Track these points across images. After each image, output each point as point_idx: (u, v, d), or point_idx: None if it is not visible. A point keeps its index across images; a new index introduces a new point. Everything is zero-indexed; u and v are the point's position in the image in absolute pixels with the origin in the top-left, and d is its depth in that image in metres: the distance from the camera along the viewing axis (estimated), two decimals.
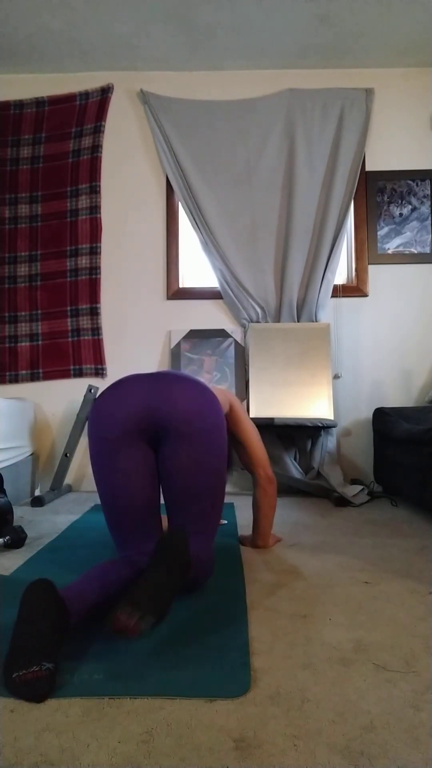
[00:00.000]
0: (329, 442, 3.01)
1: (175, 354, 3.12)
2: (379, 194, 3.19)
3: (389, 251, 3.17)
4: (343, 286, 3.18)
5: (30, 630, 0.97)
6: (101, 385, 3.12)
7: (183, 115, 3.16)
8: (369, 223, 3.18)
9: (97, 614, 1.12)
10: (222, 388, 1.85)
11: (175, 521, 1.45)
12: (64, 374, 3.17)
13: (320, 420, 2.78)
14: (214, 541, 1.51)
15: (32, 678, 0.92)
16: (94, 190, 3.18)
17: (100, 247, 3.18)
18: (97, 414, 1.45)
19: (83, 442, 3.04)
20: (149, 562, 1.13)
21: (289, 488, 2.91)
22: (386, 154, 3.20)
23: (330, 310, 3.14)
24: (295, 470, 2.96)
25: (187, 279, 3.30)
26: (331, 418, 2.89)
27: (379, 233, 3.18)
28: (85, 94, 3.23)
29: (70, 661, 1.03)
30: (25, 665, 0.93)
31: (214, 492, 1.46)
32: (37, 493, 2.93)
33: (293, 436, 3.02)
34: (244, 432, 1.81)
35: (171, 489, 1.44)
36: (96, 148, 3.19)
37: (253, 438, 1.83)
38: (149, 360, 3.18)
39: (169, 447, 1.42)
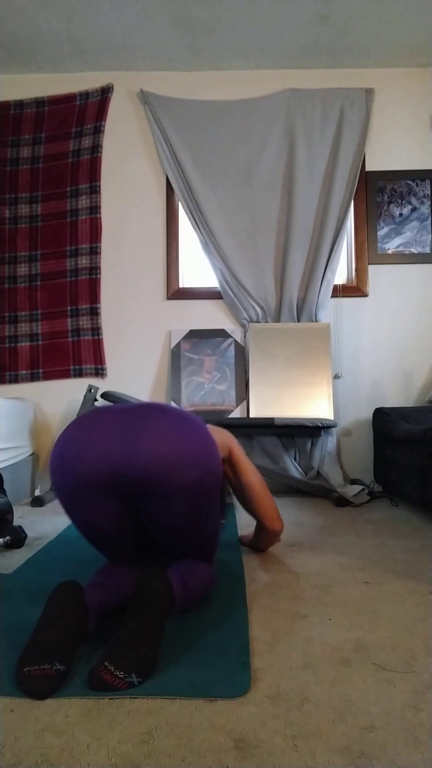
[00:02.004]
0: (329, 442, 3.01)
1: (175, 354, 3.12)
2: (379, 194, 3.19)
3: (389, 251, 3.17)
4: (343, 286, 3.18)
5: (52, 628, 0.98)
6: (101, 385, 3.12)
7: (183, 115, 3.16)
8: (369, 223, 3.18)
9: (110, 619, 1.13)
10: (219, 428, 1.57)
11: (168, 557, 1.34)
12: (64, 374, 3.17)
13: (320, 420, 2.78)
14: (215, 556, 1.43)
15: (41, 675, 0.93)
16: (94, 190, 3.18)
17: (100, 247, 3.18)
18: (56, 465, 1.19)
19: None
20: (129, 609, 1.03)
21: (289, 488, 2.91)
22: (386, 154, 3.20)
23: (330, 310, 3.14)
24: (295, 470, 2.96)
25: (187, 279, 3.30)
26: (331, 418, 2.89)
27: (379, 233, 3.18)
28: (85, 94, 3.23)
29: (81, 663, 1.03)
30: (38, 661, 0.94)
31: (206, 538, 1.31)
32: (37, 493, 2.93)
33: (293, 436, 3.02)
34: (246, 482, 1.57)
35: (156, 538, 1.28)
36: (96, 148, 3.19)
37: (258, 489, 1.59)
38: (149, 360, 3.18)
39: (149, 505, 1.19)
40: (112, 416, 1.22)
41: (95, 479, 1.15)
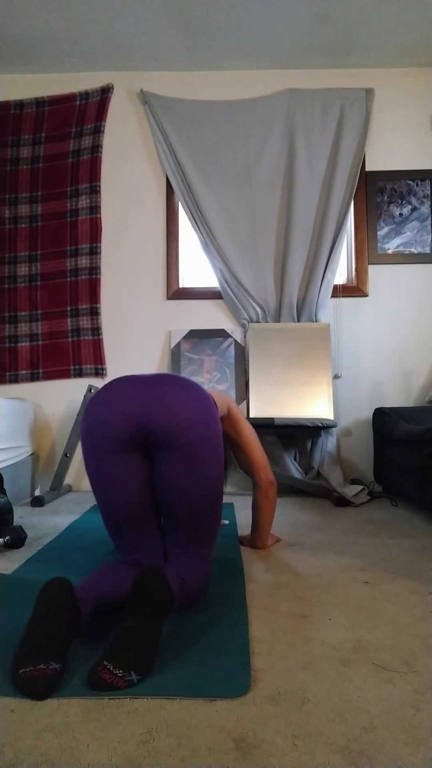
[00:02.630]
0: (329, 442, 3.01)
1: (175, 354, 3.12)
2: (379, 194, 3.19)
3: (389, 251, 3.17)
4: (343, 286, 3.18)
5: (43, 628, 0.99)
6: (101, 385, 3.12)
7: (183, 115, 3.16)
8: (369, 223, 3.18)
9: (103, 617, 1.13)
10: (219, 391, 1.78)
11: (170, 533, 1.40)
12: (64, 374, 3.17)
13: (320, 420, 2.78)
14: (214, 548, 1.46)
15: (38, 675, 0.93)
16: (94, 190, 3.18)
17: (100, 247, 3.18)
18: (88, 422, 1.38)
19: None
20: (128, 608, 1.05)
21: (289, 488, 2.91)
22: (386, 154, 3.20)
23: (330, 310, 3.14)
24: (295, 470, 2.96)
25: (187, 279, 3.30)
26: (331, 418, 2.89)
27: (379, 233, 3.18)
28: (85, 94, 3.23)
29: (71, 661, 1.03)
30: (33, 662, 0.94)
31: (211, 503, 1.40)
32: (37, 493, 2.93)
33: (293, 436, 3.02)
34: (243, 436, 1.78)
35: (166, 501, 1.37)
36: (96, 148, 3.19)
37: (253, 442, 1.79)
38: (149, 360, 3.18)
39: (163, 458, 1.35)
40: (134, 383, 1.42)
41: (122, 433, 1.33)
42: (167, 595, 1.07)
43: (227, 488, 2.82)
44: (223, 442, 1.66)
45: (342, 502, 2.58)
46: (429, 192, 3.18)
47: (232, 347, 3.11)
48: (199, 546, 1.38)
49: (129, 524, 1.37)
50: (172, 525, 1.39)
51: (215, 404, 1.48)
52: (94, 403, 1.40)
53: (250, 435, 1.80)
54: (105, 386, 1.45)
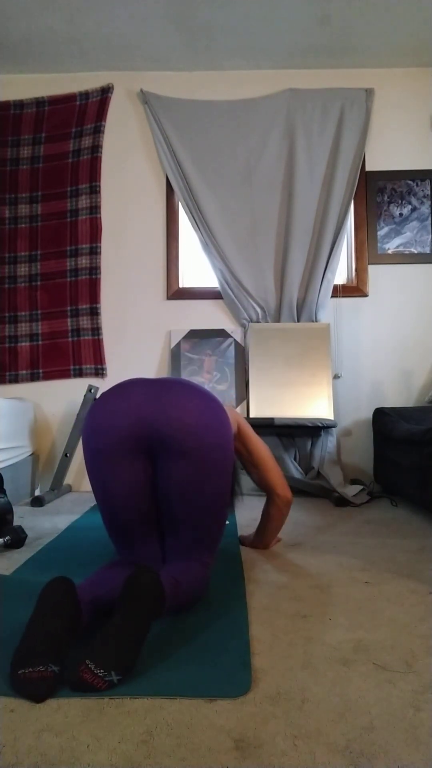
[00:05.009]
0: (329, 442, 3.01)
1: (175, 354, 3.12)
2: (379, 194, 3.19)
3: (389, 251, 3.17)
4: (343, 286, 3.18)
5: (43, 629, 0.98)
6: (101, 385, 3.12)
7: (183, 115, 3.16)
8: (369, 223, 3.18)
9: (101, 618, 1.12)
10: (230, 407, 1.71)
11: (172, 536, 1.37)
12: (64, 374, 3.17)
13: (320, 420, 2.78)
14: (216, 553, 1.43)
15: (36, 677, 0.92)
16: (94, 190, 3.18)
17: (100, 247, 3.18)
18: (93, 422, 1.33)
19: None
20: (116, 606, 1.03)
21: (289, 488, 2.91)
22: (386, 154, 3.20)
23: (330, 310, 3.14)
24: (295, 470, 2.96)
25: (187, 279, 3.30)
26: (331, 418, 2.89)
27: (379, 233, 3.18)
28: (85, 94, 3.23)
29: (71, 661, 1.03)
30: (32, 663, 0.93)
31: (216, 511, 1.37)
32: (37, 493, 2.93)
33: (293, 436, 3.02)
34: (256, 454, 1.69)
35: (170, 506, 1.33)
36: (96, 148, 3.19)
37: (268, 459, 1.70)
38: (149, 360, 3.18)
39: (168, 462, 1.30)
40: (142, 386, 1.37)
41: (128, 439, 1.29)
42: (156, 595, 1.05)
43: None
44: (234, 459, 1.61)
45: (342, 502, 2.58)
46: (429, 192, 3.18)
47: (232, 347, 3.11)
48: (200, 551, 1.36)
49: (129, 527, 1.36)
50: (174, 529, 1.36)
51: (226, 413, 1.43)
52: (98, 406, 1.35)
53: (264, 452, 1.71)
54: (111, 389, 1.40)
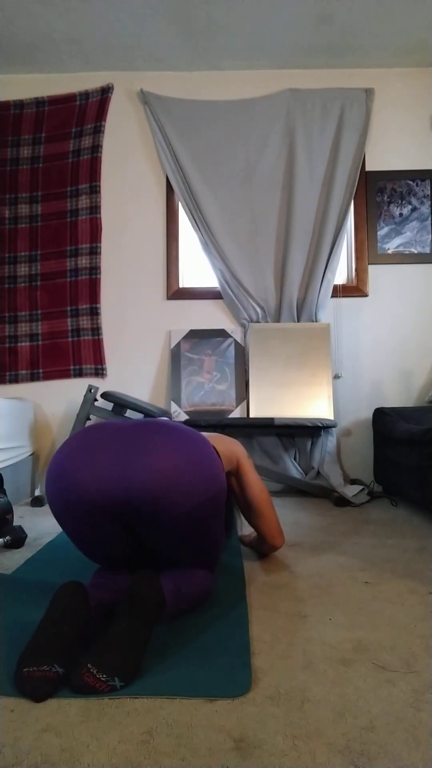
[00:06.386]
0: (329, 442, 3.01)
1: (175, 354, 3.12)
2: (379, 194, 3.19)
3: (389, 251, 3.17)
4: (343, 286, 3.18)
5: (53, 630, 0.98)
6: (101, 385, 3.12)
7: (183, 115, 3.16)
8: (369, 223, 3.18)
9: (105, 620, 1.13)
10: (227, 438, 1.53)
11: (165, 568, 1.28)
12: (64, 374, 3.17)
13: (320, 420, 2.78)
14: (218, 564, 1.39)
15: (40, 676, 0.92)
16: (94, 190, 3.18)
17: (100, 247, 3.18)
18: (52, 491, 1.16)
19: None
20: (117, 612, 1.02)
21: (289, 488, 2.91)
22: (386, 154, 3.20)
23: (330, 310, 3.14)
24: (295, 470, 2.96)
25: (187, 279, 3.30)
26: (331, 418, 2.89)
27: (379, 233, 3.18)
28: (85, 94, 3.23)
29: (74, 665, 1.03)
30: (37, 662, 0.94)
31: (208, 556, 1.28)
32: (37, 493, 2.93)
33: (293, 436, 3.02)
34: (252, 497, 1.56)
35: (158, 554, 1.24)
36: (96, 148, 3.19)
37: (264, 505, 1.57)
38: (149, 360, 3.18)
39: (148, 533, 1.17)
40: (109, 438, 1.17)
41: (93, 506, 1.12)
42: (157, 600, 1.05)
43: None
44: (228, 496, 1.50)
45: (342, 502, 2.58)
46: (429, 192, 3.18)
47: (232, 347, 3.11)
48: (202, 567, 1.32)
49: (116, 567, 1.31)
50: (167, 564, 1.28)
51: (219, 457, 1.26)
52: (57, 464, 1.16)
53: (261, 497, 1.56)
54: (73, 439, 1.19)
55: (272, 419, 2.74)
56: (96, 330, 3.16)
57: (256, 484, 1.56)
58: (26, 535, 1.91)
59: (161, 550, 1.24)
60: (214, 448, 1.28)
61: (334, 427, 2.89)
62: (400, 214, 3.17)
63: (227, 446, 1.45)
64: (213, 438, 1.45)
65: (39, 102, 3.24)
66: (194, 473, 1.14)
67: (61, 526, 1.23)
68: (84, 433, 1.20)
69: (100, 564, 1.34)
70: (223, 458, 1.39)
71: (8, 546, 1.84)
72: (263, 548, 1.73)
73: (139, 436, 1.17)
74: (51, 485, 1.18)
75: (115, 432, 1.18)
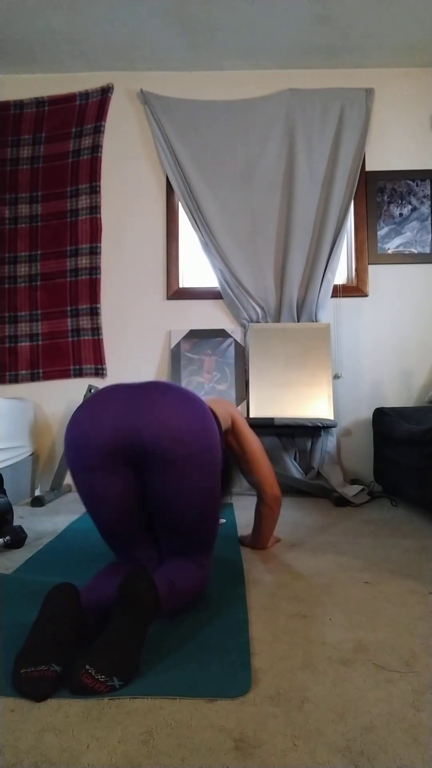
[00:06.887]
0: (329, 442, 3.01)
1: (175, 354, 3.12)
2: (379, 194, 3.19)
3: (389, 251, 3.17)
4: (343, 286, 3.18)
5: (48, 630, 0.98)
6: (101, 385, 3.12)
7: (183, 115, 3.16)
8: (369, 223, 3.18)
9: (101, 622, 1.12)
10: (222, 399, 1.72)
11: (166, 540, 1.36)
12: (64, 374, 3.17)
13: (320, 420, 2.78)
14: (212, 552, 1.43)
15: (38, 677, 0.92)
16: (94, 190, 3.18)
17: (100, 247, 3.18)
18: (71, 437, 1.29)
19: None
20: (112, 612, 1.03)
21: (289, 488, 2.91)
22: (386, 154, 3.20)
23: (330, 310, 3.14)
24: (295, 470, 2.96)
25: (187, 279, 3.30)
26: (331, 418, 2.89)
27: (379, 233, 3.18)
28: (85, 94, 3.23)
29: (72, 666, 1.03)
30: (34, 663, 0.94)
31: (207, 515, 1.35)
32: (37, 493, 2.93)
33: (293, 436, 3.02)
34: (248, 449, 1.69)
35: (159, 512, 1.32)
36: (96, 148, 3.19)
37: (259, 456, 1.71)
38: (149, 360, 3.18)
39: (154, 474, 1.27)
40: (122, 393, 1.32)
41: (107, 448, 1.24)
42: (151, 598, 1.05)
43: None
44: (227, 454, 1.59)
45: (342, 502, 2.58)
46: (429, 192, 3.18)
47: (232, 347, 3.11)
48: (195, 552, 1.36)
49: (123, 535, 1.35)
50: (166, 532, 1.35)
51: (215, 415, 1.40)
52: (77, 416, 1.31)
53: (256, 448, 1.72)
54: (89, 397, 1.35)
55: (272, 419, 2.74)
56: (96, 330, 3.16)
57: (251, 436, 1.71)
58: (26, 535, 1.91)
59: (162, 505, 1.29)
60: (211, 409, 1.42)
61: (334, 427, 2.89)
62: (400, 214, 3.18)
63: (223, 407, 1.62)
64: (209, 400, 1.60)
65: (39, 102, 3.25)
66: (194, 420, 1.29)
67: (74, 480, 1.32)
68: (101, 392, 1.36)
69: (106, 533, 1.37)
70: (220, 417, 1.52)
71: (8, 546, 1.84)
72: (264, 518, 1.77)
73: (147, 388, 1.33)
74: (70, 431, 1.30)
75: (128, 389, 1.34)
